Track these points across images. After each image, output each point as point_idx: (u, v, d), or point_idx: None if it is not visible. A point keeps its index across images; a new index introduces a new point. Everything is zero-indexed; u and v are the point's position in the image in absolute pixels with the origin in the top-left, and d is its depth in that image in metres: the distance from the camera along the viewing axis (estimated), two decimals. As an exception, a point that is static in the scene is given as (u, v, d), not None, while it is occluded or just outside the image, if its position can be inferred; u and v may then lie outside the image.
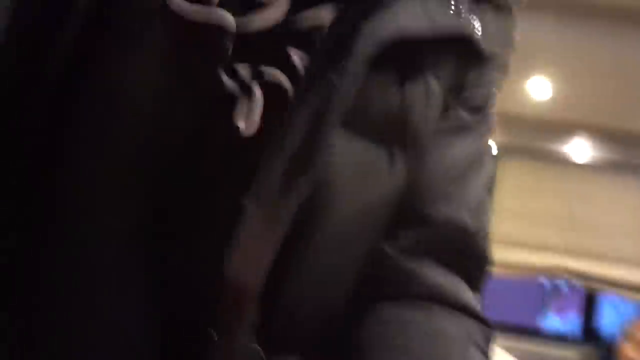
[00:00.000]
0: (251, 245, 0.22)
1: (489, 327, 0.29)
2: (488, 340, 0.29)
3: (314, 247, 0.25)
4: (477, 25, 0.28)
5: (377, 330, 0.27)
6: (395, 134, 0.27)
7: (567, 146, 2.66)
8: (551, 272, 2.65)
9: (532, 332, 2.84)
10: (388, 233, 0.29)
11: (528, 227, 2.63)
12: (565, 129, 2.65)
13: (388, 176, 0.27)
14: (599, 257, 2.61)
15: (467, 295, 0.29)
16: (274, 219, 0.22)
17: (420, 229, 0.29)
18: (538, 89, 2.29)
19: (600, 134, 2.63)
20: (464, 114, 0.31)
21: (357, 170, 0.25)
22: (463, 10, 0.28)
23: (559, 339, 2.90)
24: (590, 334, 2.78)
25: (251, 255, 0.23)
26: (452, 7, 0.27)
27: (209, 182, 0.24)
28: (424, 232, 0.29)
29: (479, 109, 0.32)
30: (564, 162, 2.69)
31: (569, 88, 2.25)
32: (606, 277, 2.58)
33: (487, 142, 0.34)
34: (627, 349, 1.57)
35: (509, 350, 2.06)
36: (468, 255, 0.31)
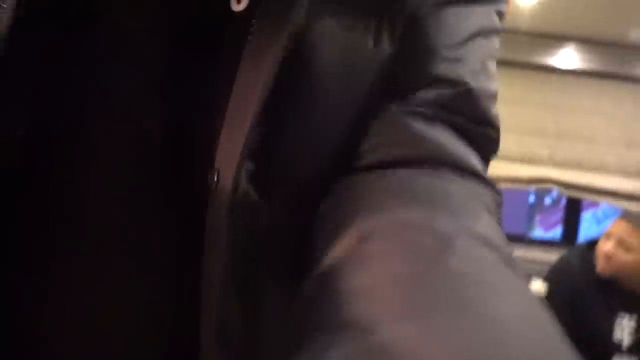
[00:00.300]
0: (242, 95, 0.24)
1: (499, 194, 0.29)
2: (498, 206, 0.28)
3: (301, 98, 0.25)
4: None
5: (380, 184, 0.26)
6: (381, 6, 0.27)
7: (553, 57, 2.66)
8: (538, 183, 2.74)
9: (519, 240, 2.99)
10: (395, 94, 0.28)
11: (515, 139, 2.68)
12: (551, 40, 2.63)
13: (372, 44, 0.27)
14: (585, 167, 2.70)
15: (476, 162, 0.28)
16: (263, 70, 0.23)
17: (429, 90, 0.28)
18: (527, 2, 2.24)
19: (586, 43, 2.63)
20: None
21: (340, 31, 0.26)
22: None
23: (544, 245, 3.07)
24: (571, 240, 2.95)
25: (242, 106, 0.24)
26: None
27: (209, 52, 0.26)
28: (432, 92, 0.28)
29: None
30: (550, 73, 2.70)
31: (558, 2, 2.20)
32: (592, 187, 2.69)
33: (497, 19, 0.33)
34: (605, 244, 1.65)
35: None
36: (476, 120, 0.30)
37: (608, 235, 1.66)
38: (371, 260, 0.21)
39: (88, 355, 0.26)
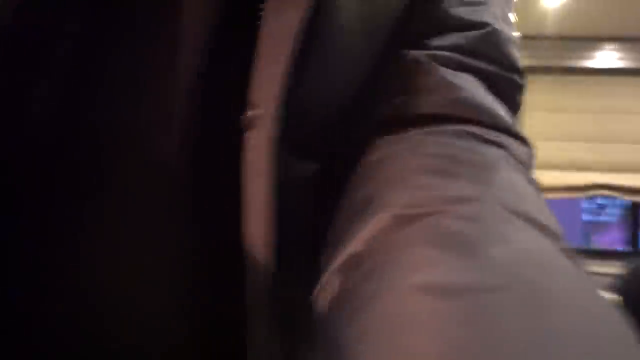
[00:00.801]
0: (271, 46, 0.23)
1: (531, 147, 0.27)
2: (531, 158, 0.26)
3: (326, 41, 0.24)
4: None
5: (409, 150, 0.23)
6: None
7: (589, 59, 2.60)
8: (588, 190, 2.62)
9: (579, 252, 2.83)
10: (418, 39, 0.26)
11: (560, 147, 2.60)
12: (585, 42, 2.58)
13: None
14: (634, 168, 2.57)
15: (505, 114, 0.26)
16: (291, 16, 0.22)
17: (452, 34, 0.26)
18: (553, 4, 2.22)
19: (621, 42, 2.55)
20: None
21: None
22: None
23: (606, 255, 2.89)
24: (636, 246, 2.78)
25: (273, 54, 0.23)
26: None
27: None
28: (456, 36, 0.26)
29: None
30: (588, 76, 2.63)
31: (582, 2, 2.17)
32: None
33: None
34: None
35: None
36: (503, 65, 0.27)
37: None
38: (413, 255, 0.18)
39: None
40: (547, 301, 0.15)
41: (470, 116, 0.24)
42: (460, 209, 0.19)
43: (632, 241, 2.86)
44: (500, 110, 0.25)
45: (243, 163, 0.22)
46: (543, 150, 2.59)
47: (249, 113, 0.22)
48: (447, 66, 0.25)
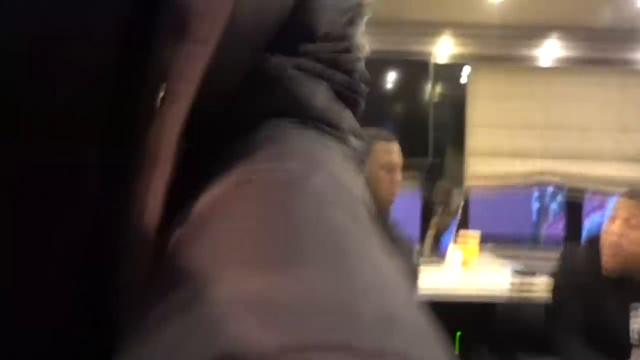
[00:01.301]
0: None
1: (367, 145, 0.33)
2: (361, 158, 0.30)
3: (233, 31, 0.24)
4: None
5: (259, 138, 0.26)
6: None
7: (534, 49, 2.63)
8: (534, 178, 2.67)
9: (526, 240, 2.90)
10: (285, 45, 0.28)
11: (506, 134, 2.63)
12: (532, 31, 2.60)
13: None
14: (581, 156, 2.64)
15: (348, 117, 0.30)
16: None
17: (316, 44, 0.29)
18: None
19: (565, 32, 2.60)
20: None
21: None
22: None
23: (549, 243, 2.97)
24: (575, 237, 2.85)
25: None
26: None
27: None
28: (319, 47, 0.29)
29: None
30: (533, 65, 2.67)
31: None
32: (588, 176, 2.62)
33: None
34: (611, 226, 1.55)
35: (504, 257, 2.14)
36: (355, 78, 0.31)
37: (613, 217, 1.57)
38: (234, 207, 0.20)
39: None
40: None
41: (313, 116, 0.27)
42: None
43: (575, 229, 2.94)
44: (343, 113, 0.29)
45: (154, 134, 0.23)
46: (490, 137, 2.63)
47: (169, 86, 0.22)
48: (306, 73, 0.28)
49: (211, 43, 0.22)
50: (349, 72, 0.30)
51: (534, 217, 11.00)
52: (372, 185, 1.51)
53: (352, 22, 0.31)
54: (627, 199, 1.56)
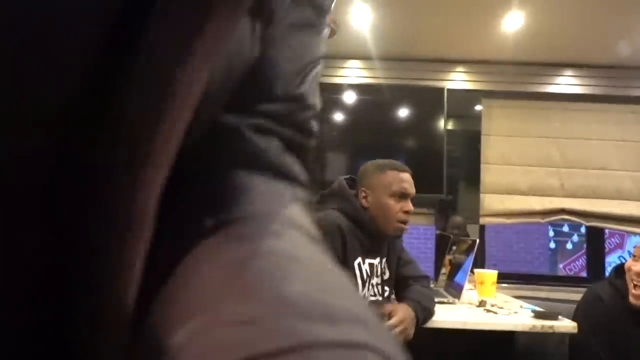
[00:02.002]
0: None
1: (311, 194, 0.35)
2: (312, 203, 0.34)
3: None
4: None
5: (224, 187, 0.29)
6: (257, 8, 0.28)
7: (548, 85, 2.63)
8: (550, 215, 2.61)
9: (544, 279, 2.80)
10: (240, 105, 0.30)
11: (522, 172, 2.60)
12: (547, 67, 2.61)
13: (249, 45, 0.29)
14: (597, 194, 2.58)
15: (298, 168, 0.33)
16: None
17: (270, 104, 0.32)
18: (513, 28, 2.23)
19: (580, 69, 2.60)
20: (310, 13, 0.34)
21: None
22: None
23: (570, 281, 2.87)
24: (598, 276, 2.76)
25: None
26: None
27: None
28: (273, 107, 0.32)
29: (322, 10, 0.35)
30: (548, 102, 2.65)
31: (544, 27, 2.19)
32: (607, 214, 2.56)
33: (324, 42, 0.38)
34: (635, 265, 1.50)
35: (525, 297, 2.07)
36: (305, 133, 0.34)
37: (637, 255, 1.52)
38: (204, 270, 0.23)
39: None
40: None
41: (267, 167, 0.31)
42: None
43: (595, 267, 2.86)
44: (294, 165, 0.33)
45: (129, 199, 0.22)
46: (505, 174, 2.60)
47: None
48: (260, 131, 0.31)
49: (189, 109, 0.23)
50: (300, 129, 0.34)
51: (550, 255, 10.73)
52: (381, 213, 1.49)
53: (305, 80, 0.34)
54: None
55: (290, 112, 0.34)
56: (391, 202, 1.51)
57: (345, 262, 1.43)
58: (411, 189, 1.55)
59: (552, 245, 10.78)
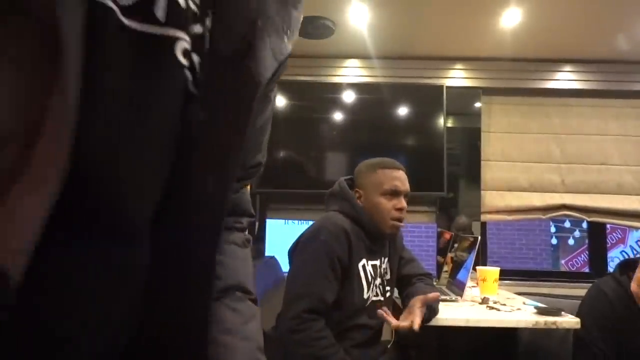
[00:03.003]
0: None
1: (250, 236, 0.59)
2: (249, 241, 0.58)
3: None
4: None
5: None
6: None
7: (547, 81, 2.62)
8: (552, 212, 2.61)
9: (547, 275, 2.80)
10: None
11: (522, 168, 2.60)
12: (543, 63, 2.61)
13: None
14: (598, 190, 2.58)
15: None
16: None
17: (245, 172, 0.54)
18: (512, 25, 2.23)
19: (579, 64, 2.59)
20: (270, 92, 0.52)
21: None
22: (288, 34, 0.48)
23: (572, 277, 2.87)
24: (601, 271, 2.76)
25: None
26: (285, 38, 0.47)
27: None
28: (246, 174, 0.54)
29: (274, 87, 0.53)
30: (548, 97, 2.65)
31: (542, 23, 2.19)
32: (608, 209, 2.56)
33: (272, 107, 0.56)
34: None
35: (527, 294, 2.07)
36: (247, 215, 0.58)
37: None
38: None
39: None
40: None
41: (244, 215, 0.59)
42: None
43: (597, 262, 2.85)
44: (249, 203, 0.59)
45: None
46: (505, 171, 2.59)
47: None
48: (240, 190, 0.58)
49: None
50: (253, 180, 0.56)
51: (552, 251, 10.70)
52: (375, 213, 1.49)
53: (262, 149, 0.55)
54: None
55: (250, 175, 0.54)
56: (383, 200, 1.49)
57: (351, 264, 1.43)
58: (403, 186, 1.53)
59: (554, 241, 10.78)
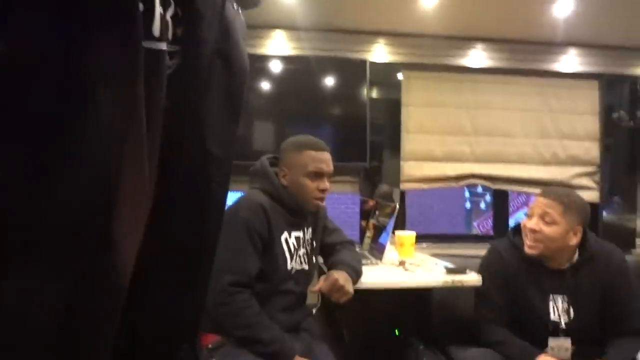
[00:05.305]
0: None
1: None
2: None
3: None
4: None
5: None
6: None
7: (461, 58, 2.79)
8: (463, 180, 2.83)
9: (458, 238, 3.05)
10: None
11: (438, 140, 2.78)
12: (458, 42, 2.76)
13: None
14: (502, 159, 2.84)
15: None
16: None
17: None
18: (431, 4, 2.33)
19: (488, 43, 2.78)
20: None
21: None
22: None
23: (478, 239, 3.15)
24: (503, 232, 3.06)
25: None
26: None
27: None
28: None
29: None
30: (461, 74, 2.83)
31: (458, 3, 2.31)
32: (513, 178, 2.82)
33: None
34: (528, 222, 1.69)
35: (442, 255, 2.26)
36: None
37: (530, 214, 1.71)
38: None
39: None
40: None
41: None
42: None
43: (499, 226, 3.16)
44: None
45: None
46: (423, 142, 2.75)
47: None
48: None
49: None
50: None
51: (466, 215, 11.47)
52: (298, 191, 1.56)
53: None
54: (541, 197, 1.71)
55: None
56: (307, 181, 1.56)
57: (271, 238, 1.49)
58: (327, 168, 1.60)
59: (468, 205, 11.61)
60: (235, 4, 0.52)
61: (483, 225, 9.79)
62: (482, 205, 10.75)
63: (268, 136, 2.60)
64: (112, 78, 0.32)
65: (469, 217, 10.93)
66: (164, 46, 0.40)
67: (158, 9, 0.39)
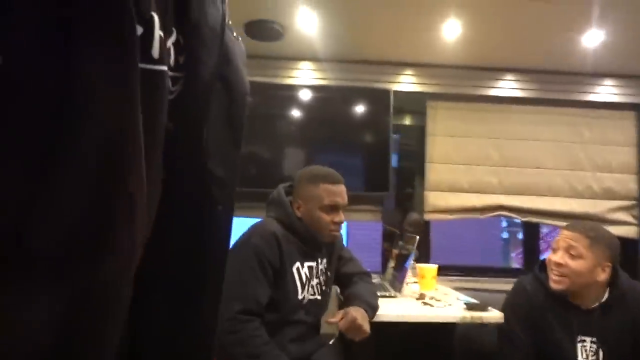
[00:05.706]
0: None
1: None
2: None
3: None
4: None
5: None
6: None
7: (488, 89, 2.75)
8: (490, 211, 2.76)
9: (487, 271, 2.94)
10: None
11: (464, 170, 2.73)
12: (485, 72, 2.74)
13: None
14: (533, 192, 2.75)
15: None
16: None
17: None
18: (453, 36, 2.33)
19: (518, 74, 2.74)
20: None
21: None
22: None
23: (505, 273, 3.03)
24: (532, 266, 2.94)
25: None
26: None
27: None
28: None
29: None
30: (488, 104, 2.79)
31: (482, 33, 2.30)
32: (541, 210, 2.73)
33: None
34: (553, 257, 1.63)
35: (465, 289, 2.19)
36: None
37: (555, 248, 1.64)
38: None
39: None
40: None
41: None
42: None
43: (529, 259, 3.04)
44: None
45: None
46: (448, 172, 2.71)
47: None
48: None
49: None
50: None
51: (503, 245, 11.04)
52: (313, 224, 1.56)
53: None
54: (566, 230, 1.64)
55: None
56: (322, 214, 1.56)
57: (283, 267, 1.49)
58: (343, 201, 1.59)
59: (505, 235, 11.21)
60: (234, 32, 0.53)
61: (518, 260, 9.41)
62: (520, 236, 10.37)
63: (296, 162, 2.63)
64: (105, 94, 0.32)
65: (506, 248, 10.54)
66: (164, 68, 0.40)
67: (157, 32, 0.39)
